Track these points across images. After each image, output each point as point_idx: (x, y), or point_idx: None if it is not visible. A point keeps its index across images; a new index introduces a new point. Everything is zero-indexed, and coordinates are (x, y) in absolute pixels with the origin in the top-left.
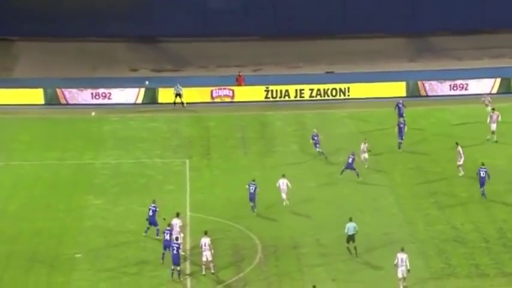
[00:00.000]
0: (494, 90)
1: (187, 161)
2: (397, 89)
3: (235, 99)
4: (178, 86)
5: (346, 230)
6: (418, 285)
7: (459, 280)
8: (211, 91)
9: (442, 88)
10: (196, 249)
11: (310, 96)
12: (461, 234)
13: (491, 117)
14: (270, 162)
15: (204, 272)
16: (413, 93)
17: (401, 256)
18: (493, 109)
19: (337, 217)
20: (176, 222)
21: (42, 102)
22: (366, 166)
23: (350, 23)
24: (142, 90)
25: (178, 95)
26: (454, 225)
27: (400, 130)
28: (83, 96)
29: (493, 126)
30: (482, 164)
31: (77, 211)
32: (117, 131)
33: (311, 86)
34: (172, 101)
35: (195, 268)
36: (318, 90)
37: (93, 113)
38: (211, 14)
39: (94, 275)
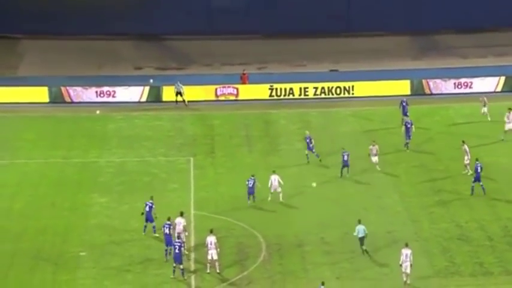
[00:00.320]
0: (499, 89)
1: (192, 159)
2: (402, 87)
3: (240, 98)
4: (179, 84)
5: (356, 233)
6: (422, 284)
7: (463, 278)
8: (216, 89)
9: (447, 86)
10: (201, 247)
11: (315, 95)
12: (466, 233)
13: (507, 117)
14: (274, 160)
15: (208, 270)
16: (418, 91)
17: (406, 252)
18: (510, 109)
19: (341, 215)
20: (180, 221)
21: (47, 100)
22: (379, 168)
23: (354, 21)
24: (147, 88)
25: (178, 93)
26: (458, 224)
27: (408, 130)
28: (87, 94)
29: (509, 126)
30: (477, 160)
31: (81, 209)
32: (121, 129)
33: (315, 84)
34: (180, 100)
35: (200, 266)
36: (322, 88)
37: (97, 111)
38: (216, 12)
39: (98, 273)
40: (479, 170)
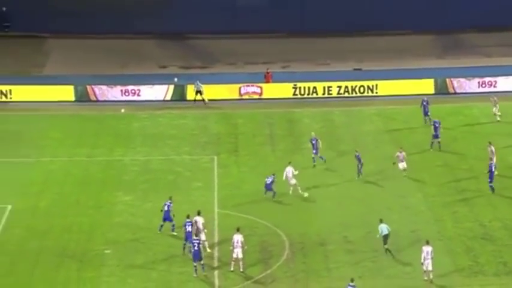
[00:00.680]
0: None
1: (216, 157)
2: (426, 86)
3: (263, 96)
4: (198, 83)
5: (380, 232)
6: (446, 283)
7: (487, 278)
8: (240, 88)
9: (471, 85)
10: (224, 245)
11: (338, 94)
12: (490, 232)
13: None
14: (297, 159)
15: (232, 268)
16: (442, 90)
17: (427, 249)
18: None
19: (364, 214)
20: (199, 219)
21: (73, 99)
22: (405, 174)
23: (378, 20)
24: (171, 87)
25: (198, 92)
26: (482, 223)
27: (436, 129)
28: (112, 93)
29: None
30: (491, 159)
31: (106, 207)
32: (146, 127)
33: (339, 83)
34: (199, 99)
35: (223, 265)
36: (346, 87)
37: (122, 110)
38: (240, 11)
39: (123, 270)
40: (493, 169)
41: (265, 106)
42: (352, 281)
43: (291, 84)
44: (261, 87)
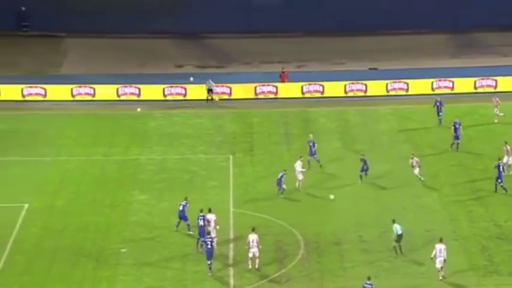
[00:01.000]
0: None
1: (231, 157)
2: (441, 85)
3: (279, 96)
4: (210, 81)
5: (395, 232)
6: (461, 282)
7: (502, 278)
8: (255, 87)
9: (486, 85)
10: (239, 244)
11: (353, 93)
12: (505, 232)
13: None
14: (312, 158)
15: (250, 266)
16: (457, 90)
17: (440, 247)
18: None
19: (379, 214)
20: (211, 217)
21: (90, 98)
22: (422, 178)
23: (393, 20)
24: (187, 86)
25: (210, 90)
26: (497, 223)
27: (456, 130)
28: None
29: None
30: (499, 159)
31: (122, 206)
32: (162, 127)
33: (354, 83)
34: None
35: (238, 264)
36: (361, 86)
37: (138, 109)
38: (256, 11)
39: (138, 269)
40: (501, 169)
41: (280, 105)
42: (369, 279)
43: (306, 84)
44: (276, 87)
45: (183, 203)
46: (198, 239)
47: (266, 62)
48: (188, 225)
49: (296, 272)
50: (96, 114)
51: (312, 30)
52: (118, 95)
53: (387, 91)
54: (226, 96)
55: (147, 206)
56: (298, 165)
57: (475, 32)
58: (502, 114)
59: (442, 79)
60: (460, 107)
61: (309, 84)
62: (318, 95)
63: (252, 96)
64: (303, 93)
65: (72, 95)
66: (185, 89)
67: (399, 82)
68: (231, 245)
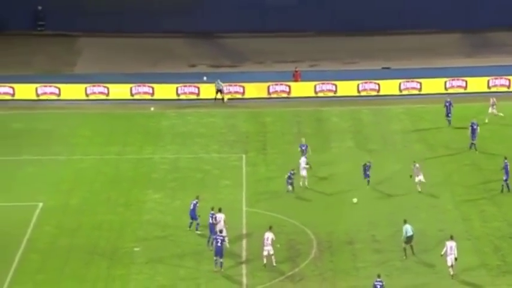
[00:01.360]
0: None
1: (244, 156)
2: (454, 84)
3: (292, 95)
4: (219, 82)
5: (404, 233)
6: (474, 282)
7: None
8: (268, 87)
9: (500, 84)
10: (251, 243)
11: (366, 92)
12: None
13: None
14: (325, 157)
15: (265, 261)
16: (470, 89)
17: (451, 244)
18: None
19: (392, 213)
20: (221, 216)
21: (104, 97)
22: (419, 190)
23: (406, 19)
24: (200, 85)
25: (219, 90)
26: (510, 222)
27: (473, 131)
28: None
29: None
30: (505, 158)
31: (136, 205)
32: (175, 126)
33: (367, 82)
34: (219, 98)
35: (250, 262)
36: (374, 85)
37: (152, 108)
38: (269, 10)
39: (152, 268)
40: (508, 169)
41: (293, 105)
42: (379, 276)
43: (319, 83)
44: (289, 86)
45: (194, 201)
46: (210, 236)
47: (279, 61)
48: (197, 224)
49: (308, 271)
50: (110, 113)
51: (325, 30)
52: (132, 94)
53: (400, 90)
54: (239, 96)
55: (160, 205)
56: (303, 161)
57: (488, 32)
58: (501, 114)
59: (455, 78)
60: (473, 107)
61: (322, 84)
62: (331, 94)
63: (265, 95)
64: (316, 92)
65: (86, 94)
66: (198, 88)
67: (412, 81)
68: (244, 244)
